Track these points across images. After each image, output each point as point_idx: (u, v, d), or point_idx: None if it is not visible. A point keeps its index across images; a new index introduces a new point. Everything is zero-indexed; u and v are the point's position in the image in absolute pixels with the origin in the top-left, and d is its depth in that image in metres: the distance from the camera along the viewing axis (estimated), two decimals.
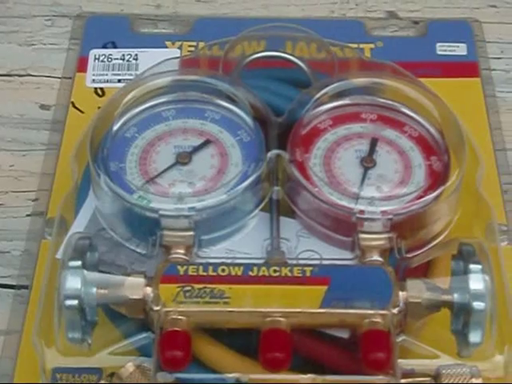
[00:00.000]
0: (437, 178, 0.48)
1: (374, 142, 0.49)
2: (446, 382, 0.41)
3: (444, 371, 0.42)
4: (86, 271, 0.43)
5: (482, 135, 0.57)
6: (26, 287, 0.52)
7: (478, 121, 0.58)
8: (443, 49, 0.63)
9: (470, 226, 0.49)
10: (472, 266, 0.42)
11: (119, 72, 0.62)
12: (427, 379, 0.42)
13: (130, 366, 0.44)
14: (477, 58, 0.63)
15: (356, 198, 0.46)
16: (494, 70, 0.64)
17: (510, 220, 0.52)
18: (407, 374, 0.42)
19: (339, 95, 0.52)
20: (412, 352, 0.44)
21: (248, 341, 0.43)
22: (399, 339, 0.43)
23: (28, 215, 0.57)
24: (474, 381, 0.41)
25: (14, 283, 0.53)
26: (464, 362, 0.42)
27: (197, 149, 0.49)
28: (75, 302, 0.42)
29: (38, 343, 0.45)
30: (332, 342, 0.43)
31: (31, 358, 0.46)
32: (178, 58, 0.60)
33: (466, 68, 0.62)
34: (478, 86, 0.61)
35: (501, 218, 0.52)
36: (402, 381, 0.41)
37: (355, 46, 0.63)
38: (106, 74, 0.62)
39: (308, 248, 0.47)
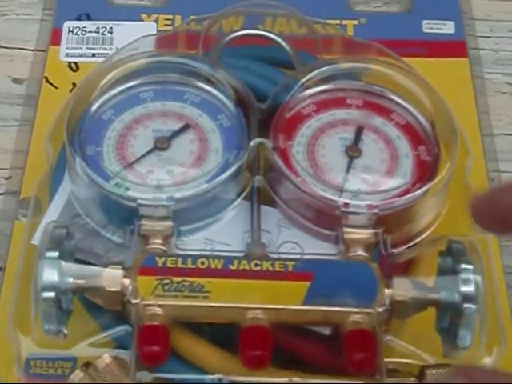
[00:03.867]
0: (425, 170, 0.46)
1: (359, 130, 0.48)
2: (430, 382, 0.40)
3: (428, 371, 0.41)
4: (63, 262, 0.42)
5: (469, 119, 0.55)
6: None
7: (465, 104, 0.57)
8: (429, 26, 0.62)
9: (458, 217, 0.48)
10: (463, 266, 0.41)
11: (94, 46, 0.60)
12: (412, 379, 0.41)
13: (106, 358, 0.43)
14: (465, 37, 0.61)
15: (340, 189, 0.45)
16: (482, 49, 0.62)
17: None
18: (390, 373, 0.41)
19: (325, 80, 0.50)
20: (394, 350, 0.43)
21: (228, 334, 0.42)
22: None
23: (1, 194, 0.55)
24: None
25: None
26: (448, 363, 0.42)
27: (176, 133, 0.48)
28: (52, 294, 0.41)
29: (13, 332, 0.44)
30: (313, 337, 0.42)
31: (4, 344, 0.45)
32: (154, 34, 0.58)
33: (453, 47, 0.60)
34: (466, 67, 0.59)
35: None
36: (386, 381, 0.40)
37: (337, 22, 0.61)
38: (81, 48, 0.60)
39: (289, 239, 0.46)
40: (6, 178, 0.55)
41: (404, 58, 0.54)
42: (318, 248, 0.45)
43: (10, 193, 0.55)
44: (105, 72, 0.50)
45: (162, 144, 0.47)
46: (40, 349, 0.43)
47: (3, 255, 0.51)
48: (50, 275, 0.41)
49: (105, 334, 0.44)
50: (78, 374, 0.44)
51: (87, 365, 0.43)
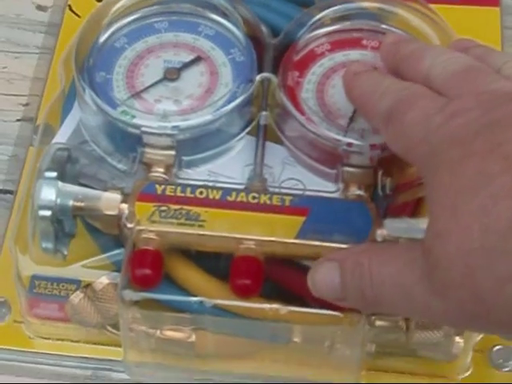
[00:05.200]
0: None
1: None
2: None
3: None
4: (61, 183, 0.43)
5: None
6: (11, 192, 0.52)
7: None
8: None
9: None
10: None
11: None
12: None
13: (104, 279, 0.44)
14: None
15: (345, 129, 0.45)
16: None
17: None
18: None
19: (341, 18, 0.50)
20: None
21: (220, 262, 0.43)
22: None
23: (18, 120, 0.56)
24: None
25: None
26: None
27: (186, 65, 0.48)
28: (49, 213, 0.42)
29: (13, 249, 0.45)
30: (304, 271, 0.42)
31: (11, 264, 0.46)
32: None
33: None
34: (497, 17, 0.58)
35: None
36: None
37: None
38: None
39: (292, 176, 0.46)
40: (23, 105, 0.56)
41: (434, 5, 0.53)
42: (320, 186, 0.45)
43: (26, 119, 0.55)
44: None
45: (171, 75, 0.47)
46: (38, 266, 0.44)
47: (16, 179, 0.52)
48: (47, 194, 0.42)
49: (104, 256, 0.45)
50: (78, 295, 0.45)
51: (87, 286, 0.44)
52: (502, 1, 0.59)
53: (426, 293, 0.32)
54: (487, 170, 0.31)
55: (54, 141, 0.48)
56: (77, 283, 0.45)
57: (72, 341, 0.46)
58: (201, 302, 0.40)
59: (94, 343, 0.46)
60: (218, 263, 0.43)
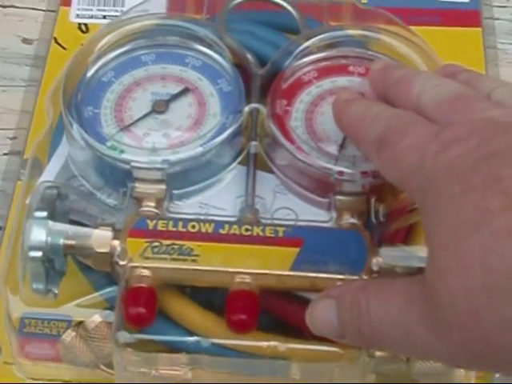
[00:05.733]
0: None
1: None
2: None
3: None
4: (51, 222, 0.42)
5: None
6: None
7: None
8: None
9: None
10: None
11: (105, 7, 0.60)
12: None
13: (96, 318, 0.44)
14: (480, 7, 0.60)
15: (336, 157, 0.44)
16: (497, 19, 0.61)
17: None
18: None
19: (327, 46, 0.50)
20: None
21: (215, 297, 0.42)
22: None
23: (5, 154, 0.56)
24: None
25: None
26: None
27: (174, 97, 0.48)
28: (39, 254, 0.42)
29: (3, 290, 0.45)
30: (301, 303, 0.42)
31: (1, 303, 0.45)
32: None
33: (466, 17, 0.59)
34: (479, 37, 0.58)
35: None
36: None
37: None
38: (91, 10, 0.60)
39: (284, 205, 0.46)
40: (10, 139, 0.56)
41: (416, 27, 0.53)
42: (312, 215, 0.45)
43: (14, 153, 0.55)
44: (105, 33, 0.50)
45: (159, 107, 0.47)
46: (29, 307, 0.44)
47: (4, 215, 0.51)
48: (37, 235, 0.41)
49: (96, 294, 0.44)
50: (69, 334, 0.44)
51: (79, 325, 0.44)
52: (484, 21, 0.59)
53: (428, 333, 0.32)
54: (487, 205, 0.30)
55: (42, 176, 0.48)
56: (68, 321, 0.44)
57: (64, 381, 0.46)
58: (198, 342, 0.40)
59: (87, 383, 0.45)
60: (213, 297, 0.43)
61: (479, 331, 0.30)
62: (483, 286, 0.30)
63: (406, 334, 0.33)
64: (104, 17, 0.60)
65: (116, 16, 0.58)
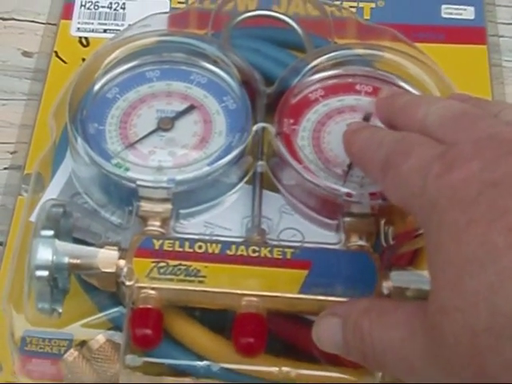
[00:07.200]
0: None
1: (367, 117, 0.47)
2: None
3: None
4: (58, 241, 0.41)
5: None
6: (0, 243, 0.51)
7: (480, 92, 0.54)
8: (449, 11, 0.60)
9: None
10: None
11: (105, 21, 0.59)
12: None
13: (100, 338, 0.43)
14: (485, 24, 0.59)
15: (344, 178, 0.44)
16: (502, 36, 0.60)
17: None
18: None
19: (335, 65, 0.49)
20: None
21: (223, 318, 0.42)
22: None
23: (5, 168, 0.55)
24: None
25: None
26: None
27: (180, 114, 0.47)
28: (46, 273, 0.41)
29: (7, 308, 0.44)
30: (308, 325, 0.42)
31: (2, 321, 0.45)
32: (166, 12, 0.57)
33: (471, 34, 0.59)
34: (484, 54, 0.58)
35: None
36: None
37: (355, 4, 0.60)
38: (92, 23, 0.59)
39: (290, 226, 0.45)
40: (11, 153, 0.55)
41: (420, 44, 0.53)
42: (319, 236, 0.45)
43: (14, 167, 0.54)
44: (111, 50, 0.49)
45: (165, 125, 0.47)
46: (33, 327, 0.43)
47: (5, 230, 0.51)
48: (44, 254, 0.41)
49: (100, 315, 0.44)
50: (72, 353, 0.44)
51: (81, 344, 0.43)
52: (488, 38, 0.59)
53: (431, 368, 0.32)
54: (492, 241, 0.30)
55: (46, 193, 0.47)
56: (69, 340, 0.44)
57: None
58: (208, 366, 0.39)
59: None
60: (220, 319, 0.42)
61: (483, 371, 0.29)
62: (487, 326, 0.29)
63: (408, 367, 0.33)
64: (105, 31, 0.59)
65: (117, 30, 0.58)
